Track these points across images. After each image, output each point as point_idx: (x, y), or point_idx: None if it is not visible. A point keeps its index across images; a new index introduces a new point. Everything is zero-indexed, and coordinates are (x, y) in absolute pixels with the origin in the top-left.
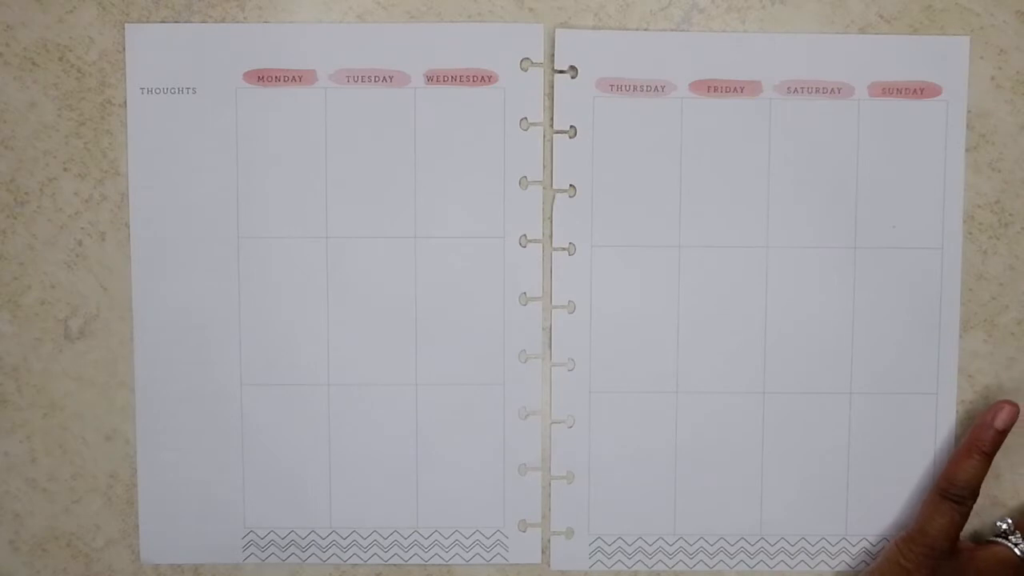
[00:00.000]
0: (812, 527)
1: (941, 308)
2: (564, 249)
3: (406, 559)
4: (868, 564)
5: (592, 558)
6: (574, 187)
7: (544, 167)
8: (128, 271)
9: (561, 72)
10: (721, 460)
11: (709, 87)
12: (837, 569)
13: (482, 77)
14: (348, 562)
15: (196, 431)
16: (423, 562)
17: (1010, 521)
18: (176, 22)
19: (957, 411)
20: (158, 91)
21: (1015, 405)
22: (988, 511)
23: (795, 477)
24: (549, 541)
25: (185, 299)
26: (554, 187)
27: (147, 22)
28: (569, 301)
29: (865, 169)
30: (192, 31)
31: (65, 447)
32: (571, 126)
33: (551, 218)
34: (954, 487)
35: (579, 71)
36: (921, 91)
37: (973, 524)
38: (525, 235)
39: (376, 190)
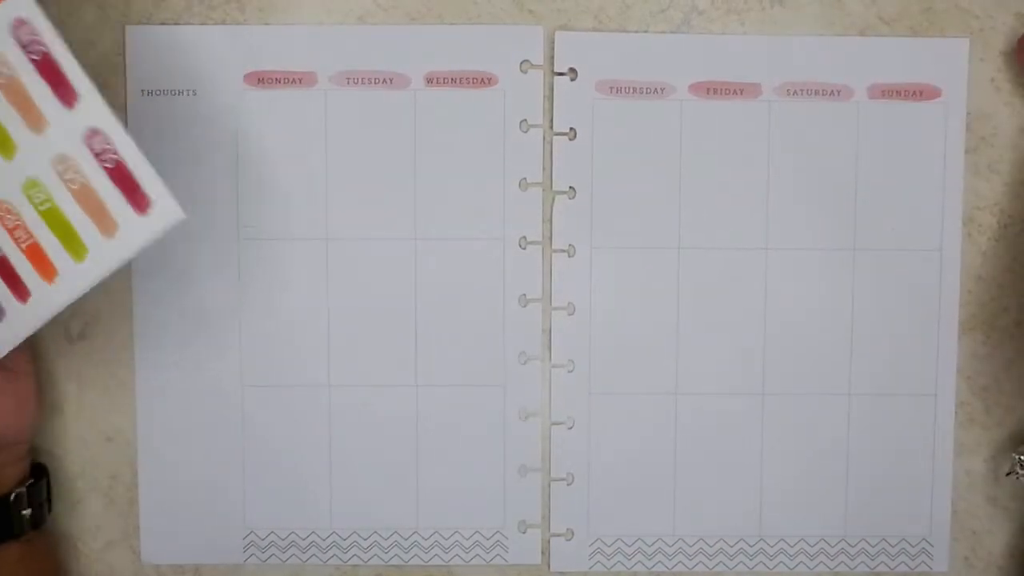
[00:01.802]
0: (811, 528)
1: (940, 310)
2: (564, 251)
3: (406, 560)
4: (867, 565)
5: (592, 559)
6: (574, 189)
7: (544, 169)
8: (128, 271)
9: (561, 74)
10: (720, 461)
11: (708, 89)
12: (836, 570)
13: (482, 79)
14: (348, 563)
15: (196, 431)
16: (423, 563)
17: None
18: (176, 24)
19: (956, 412)
20: (158, 92)
21: None
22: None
23: (794, 478)
24: (549, 542)
25: (185, 299)
26: (554, 189)
27: (147, 24)
28: (569, 303)
29: (864, 171)
30: (192, 33)
31: (65, 447)
32: (571, 128)
33: (551, 220)
34: None
35: (579, 73)
36: (920, 93)
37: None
38: (525, 237)
39: (376, 192)
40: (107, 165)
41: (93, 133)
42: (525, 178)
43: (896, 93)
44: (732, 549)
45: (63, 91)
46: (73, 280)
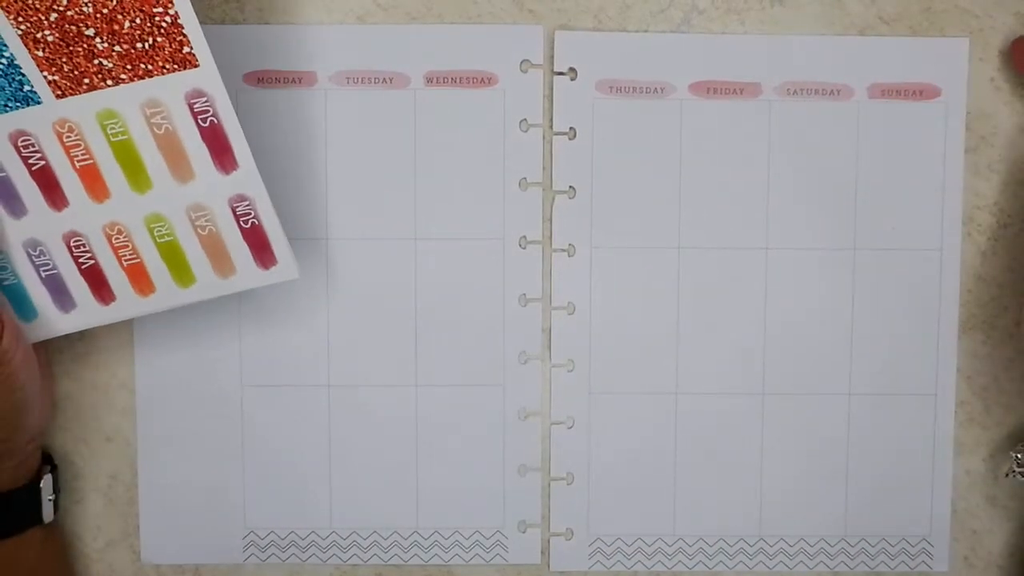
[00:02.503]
0: (811, 528)
1: (940, 309)
2: (564, 250)
3: (406, 559)
4: (867, 566)
5: (591, 559)
6: (573, 188)
7: (544, 168)
8: None
9: (561, 74)
10: (720, 461)
11: (708, 89)
12: (836, 569)
13: (482, 79)
14: (348, 562)
15: (196, 431)
16: (423, 562)
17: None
18: None
19: (956, 412)
20: None
21: None
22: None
23: (794, 478)
24: (549, 542)
25: None
26: (554, 188)
27: None
28: (569, 302)
29: (864, 171)
30: None
31: (65, 447)
32: (570, 128)
33: (551, 219)
34: None
35: (578, 73)
36: (920, 93)
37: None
38: (525, 236)
39: (376, 191)
40: (244, 225)
41: (240, 198)
42: (525, 178)
43: (896, 93)
44: (732, 549)
45: (223, 159)
46: (168, 298)
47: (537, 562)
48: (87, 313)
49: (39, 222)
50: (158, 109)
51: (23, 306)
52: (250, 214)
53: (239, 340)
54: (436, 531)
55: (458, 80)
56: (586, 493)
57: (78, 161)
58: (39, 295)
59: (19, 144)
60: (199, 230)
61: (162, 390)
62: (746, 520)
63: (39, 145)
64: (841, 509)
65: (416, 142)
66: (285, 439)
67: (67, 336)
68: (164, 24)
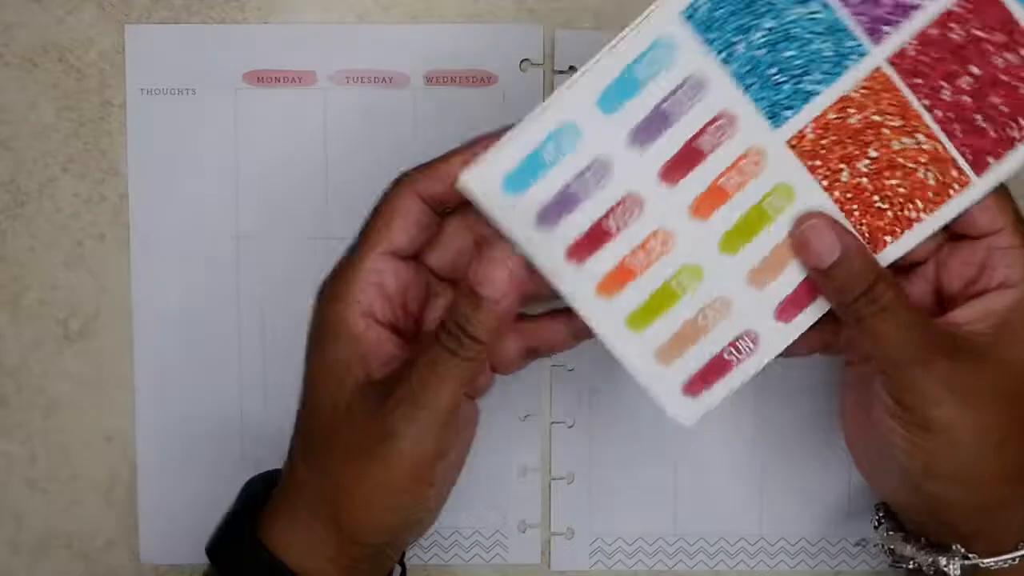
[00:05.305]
0: (813, 527)
1: None
2: None
3: (405, 559)
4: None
5: (592, 558)
6: None
7: None
8: (128, 271)
9: (561, 73)
10: (721, 460)
11: None
12: (837, 569)
13: (481, 78)
14: None
15: (196, 431)
16: (422, 562)
17: None
18: (176, 23)
19: None
20: (158, 92)
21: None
22: None
23: (795, 477)
24: (549, 541)
25: (185, 299)
26: None
27: (147, 23)
28: None
29: None
30: (192, 32)
31: (65, 447)
32: None
33: None
34: None
35: None
36: None
37: None
38: None
39: (376, 191)
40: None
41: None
42: None
43: None
44: (733, 548)
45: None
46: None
47: (537, 562)
48: None
49: (632, 173)
50: None
51: None
52: (741, 353)
53: (239, 340)
54: (435, 531)
55: (458, 79)
56: (587, 493)
57: (721, 178)
58: None
59: (715, 125)
60: (701, 319)
61: (162, 389)
62: (747, 519)
63: (722, 138)
64: (844, 508)
65: (416, 142)
66: (284, 440)
67: (67, 335)
68: None
